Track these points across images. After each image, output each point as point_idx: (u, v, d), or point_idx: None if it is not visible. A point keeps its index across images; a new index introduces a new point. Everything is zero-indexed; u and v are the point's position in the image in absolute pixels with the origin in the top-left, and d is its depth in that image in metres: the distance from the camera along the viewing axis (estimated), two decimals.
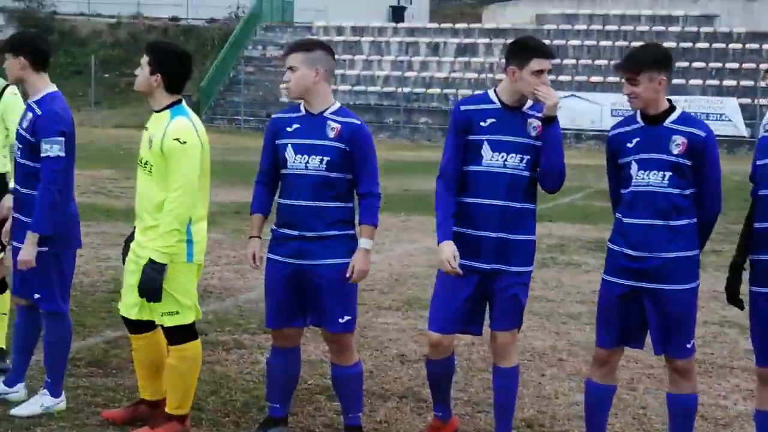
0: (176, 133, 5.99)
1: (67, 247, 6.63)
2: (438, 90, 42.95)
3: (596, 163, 23.77)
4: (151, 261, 5.99)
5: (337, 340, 6.16)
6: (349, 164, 6.03)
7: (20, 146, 6.59)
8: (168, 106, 6.12)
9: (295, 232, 6.06)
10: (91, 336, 8.62)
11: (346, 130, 6.03)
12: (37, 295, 6.61)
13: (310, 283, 6.06)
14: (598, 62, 41.61)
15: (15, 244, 6.66)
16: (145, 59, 6.15)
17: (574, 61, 42.00)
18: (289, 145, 6.08)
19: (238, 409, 6.91)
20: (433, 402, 6.54)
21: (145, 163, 6.13)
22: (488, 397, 7.08)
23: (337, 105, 6.18)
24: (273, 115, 6.37)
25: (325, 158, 6.00)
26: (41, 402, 6.61)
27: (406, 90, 42.99)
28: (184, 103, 6.18)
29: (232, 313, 9.86)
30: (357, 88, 43.97)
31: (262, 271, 6.29)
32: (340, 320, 6.07)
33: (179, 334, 6.19)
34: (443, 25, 47.30)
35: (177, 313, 6.14)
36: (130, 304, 6.26)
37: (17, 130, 6.64)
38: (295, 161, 6.05)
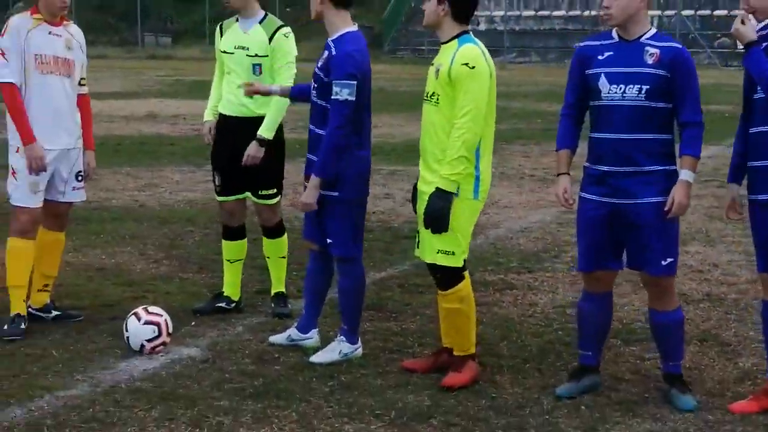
0: (465, 58, 5.80)
1: (357, 193, 6.42)
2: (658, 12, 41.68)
3: None
4: (437, 189, 5.80)
5: (659, 283, 5.79)
6: (669, 92, 5.61)
7: (315, 85, 6.40)
8: (455, 36, 5.91)
9: (611, 168, 5.68)
10: None
11: (667, 55, 5.60)
12: (329, 240, 6.44)
13: (628, 222, 5.69)
14: None
15: (306, 183, 6.49)
16: None
17: None
18: (603, 74, 5.70)
19: (535, 355, 6.64)
20: None
21: (431, 95, 5.94)
22: None
23: (654, 30, 5.76)
24: (579, 44, 5.99)
25: (644, 86, 5.60)
26: (339, 348, 6.46)
27: (592, 13, 41.83)
28: (471, 33, 5.92)
29: (488, 251, 9.59)
30: (541, 13, 43.08)
31: (574, 210, 5.95)
32: (663, 262, 5.69)
33: (452, 276, 6.00)
34: None
35: (453, 253, 5.93)
36: (428, 249, 6.03)
37: (314, 69, 6.43)
38: (609, 91, 5.67)
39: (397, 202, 11.94)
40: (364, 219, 6.57)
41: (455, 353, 6.12)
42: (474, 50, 5.84)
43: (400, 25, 44.88)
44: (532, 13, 43.24)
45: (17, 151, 6.92)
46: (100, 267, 8.83)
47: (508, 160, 15.56)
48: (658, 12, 41.42)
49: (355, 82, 6.20)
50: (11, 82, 6.84)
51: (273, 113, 7.23)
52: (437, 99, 5.90)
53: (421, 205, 6.00)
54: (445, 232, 5.90)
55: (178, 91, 28.26)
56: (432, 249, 5.95)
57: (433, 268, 6.03)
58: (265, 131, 7.22)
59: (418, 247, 6.16)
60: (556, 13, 43.01)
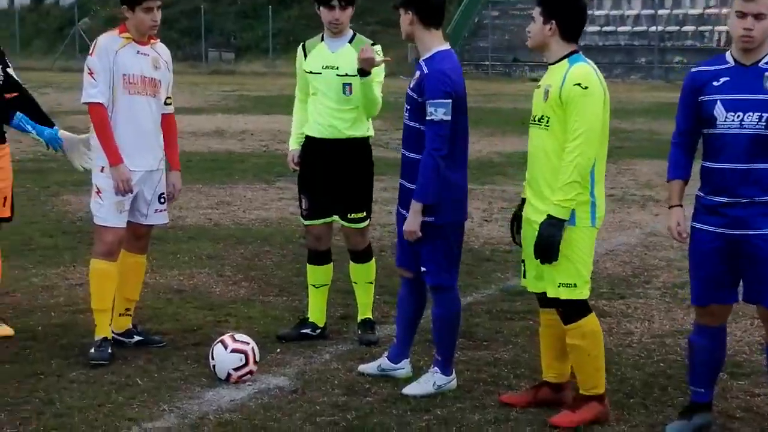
0: (577, 78, 5.50)
1: (453, 218, 6.16)
2: (693, 27, 41.12)
3: None
4: (549, 216, 5.52)
5: None
6: None
7: (408, 107, 6.16)
8: (565, 56, 5.61)
9: (728, 199, 5.37)
10: None
11: None
12: (423, 268, 6.18)
13: (746, 254, 5.37)
14: None
15: (402, 211, 6.25)
16: (536, 11, 5.68)
17: None
18: (719, 101, 5.39)
19: (638, 389, 6.32)
20: None
21: (540, 119, 5.65)
22: None
23: None
24: (692, 69, 5.67)
25: (765, 114, 5.29)
26: (433, 380, 6.19)
27: (659, 28, 41.30)
28: (581, 53, 5.65)
29: None
30: (606, 28, 42.62)
31: (686, 243, 5.64)
32: None
33: (575, 310, 5.67)
34: None
35: (575, 285, 5.61)
36: (535, 278, 5.76)
37: (407, 90, 6.20)
38: (726, 119, 5.36)
39: (474, 222, 11.65)
40: (461, 246, 6.30)
41: (581, 392, 5.79)
42: (586, 69, 5.55)
43: (464, 40, 44.60)
44: (597, 28, 42.72)
45: (102, 171, 6.75)
46: (179, 289, 8.65)
47: None
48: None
49: (450, 101, 5.96)
50: (99, 103, 6.67)
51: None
52: (547, 122, 5.61)
53: (529, 234, 5.72)
54: (557, 262, 5.57)
55: (243, 107, 28.23)
56: (553, 282, 5.65)
57: (556, 302, 5.73)
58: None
59: (524, 277, 5.87)
60: (621, 28, 42.49)
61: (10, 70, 7.23)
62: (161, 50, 6.99)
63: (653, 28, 41.33)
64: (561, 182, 5.50)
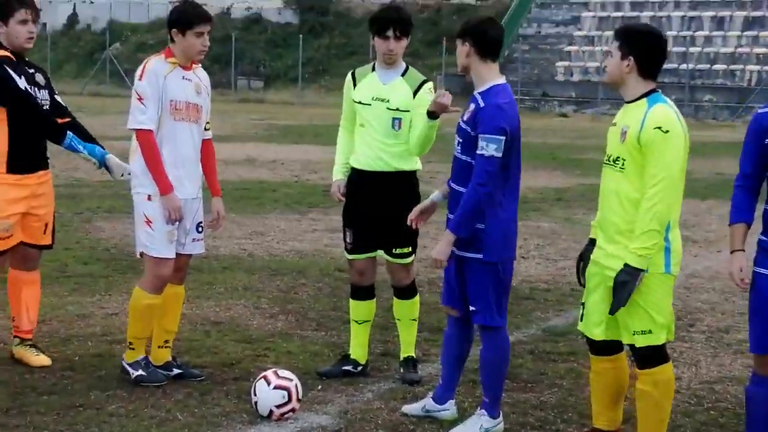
0: (657, 121, 5.29)
1: (502, 256, 6.04)
2: (723, 66, 40.98)
3: None
4: (625, 265, 5.33)
5: None
6: None
7: (459, 140, 6.04)
8: (644, 95, 5.42)
9: None
10: None
11: None
12: (472, 308, 6.06)
13: None
14: None
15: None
16: (614, 45, 5.48)
17: None
18: None
19: None
20: None
21: (615, 160, 5.45)
22: None
23: None
24: (758, 110, 5.54)
25: None
26: (480, 423, 6.06)
27: (690, 66, 41.17)
28: (661, 92, 5.45)
29: None
30: None
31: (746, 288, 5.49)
32: None
33: (650, 356, 5.48)
34: None
35: (650, 332, 5.43)
36: (595, 323, 5.61)
37: (458, 122, 6.10)
38: None
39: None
40: (509, 285, 6.17)
41: None
42: (667, 112, 5.34)
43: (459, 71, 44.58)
44: None
45: (149, 199, 6.65)
46: (216, 320, 8.54)
47: None
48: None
49: (503, 138, 5.85)
50: (149, 129, 6.60)
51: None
52: (623, 164, 5.40)
53: (596, 278, 5.56)
54: (631, 309, 5.40)
55: (272, 136, 28.23)
56: (628, 330, 5.48)
57: (632, 348, 5.56)
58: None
59: (581, 320, 5.73)
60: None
61: (58, 97, 7.18)
62: (202, 75, 6.93)
63: (684, 66, 41.20)
64: (639, 230, 5.30)
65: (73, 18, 60.86)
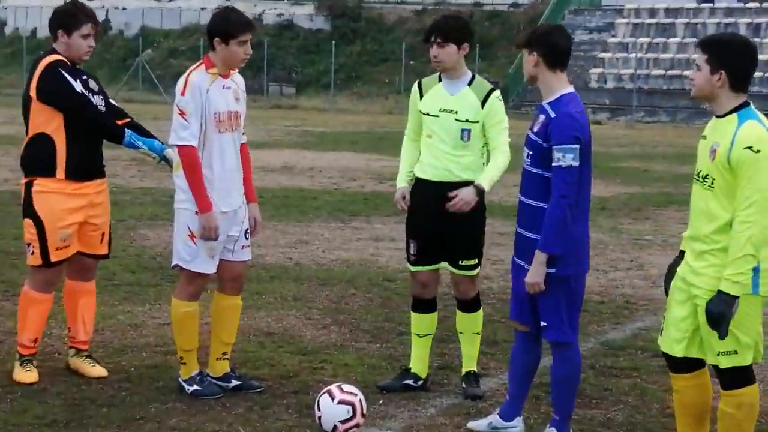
0: (747, 140, 5.09)
1: (575, 270, 5.90)
2: (760, 74, 40.55)
3: None
4: (719, 292, 5.15)
5: None
6: None
7: (530, 152, 5.91)
8: (734, 110, 5.23)
9: None
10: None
11: None
12: (543, 323, 5.92)
13: None
14: None
15: (518, 261, 6.00)
16: (701, 58, 5.29)
17: None
18: None
19: None
20: None
21: (705, 177, 5.27)
22: None
23: None
24: None
25: None
26: None
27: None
28: (752, 105, 5.27)
29: None
30: (671, 72, 42.25)
31: None
32: None
33: (735, 377, 5.32)
34: (765, 5, 44.60)
35: (735, 352, 5.26)
36: (675, 339, 5.45)
37: (527, 134, 5.96)
38: None
39: None
40: (582, 299, 6.03)
41: None
42: (758, 130, 5.12)
43: (526, 81, 44.41)
44: (662, 72, 42.39)
45: (197, 214, 6.55)
46: (269, 332, 8.43)
47: (666, 227, 14.88)
48: None
49: (578, 146, 5.71)
50: (191, 145, 6.48)
51: (498, 166, 6.74)
52: (712, 183, 5.22)
53: (679, 293, 5.40)
54: (726, 336, 5.23)
55: (308, 143, 28.14)
56: (712, 351, 5.32)
57: (716, 369, 5.40)
58: (486, 181, 6.68)
59: (661, 335, 5.57)
60: (687, 72, 42.06)
61: (112, 101, 7.12)
62: (238, 80, 6.81)
63: None
64: (733, 255, 5.12)
65: (105, 24, 60.99)
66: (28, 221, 6.81)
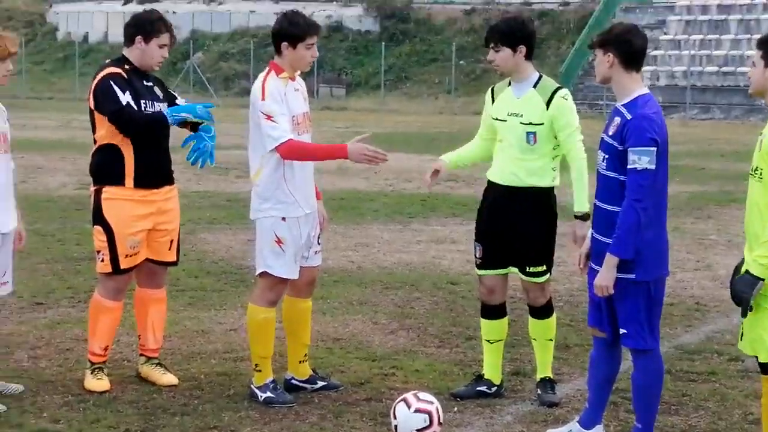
0: None
1: (655, 275, 5.76)
2: None
3: None
4: (746, 272, 5.10)
5: None
6: None
7: (605, 156, 5.77)
8: None
9: None
10: None
11: None
12: (622, 330, 5.77)
13: None
14: None
15: (594, 266, 5.86)
16: (756, 54, 5.23)
17: None
18: None
19: None
20: None
21: (755, 170, 5.22)
22: None
23: None
24: None
25: None
26: None
27: None
28: None
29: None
30: (725, 69, 41.75)
31: None
32: None
33: None
34: None
35: None
36: (752, 339, 5.30)
37: (602, 137, 5.82)
38: None
39: None
40: (661, 305, 5.88)
41: None
42: None
43: (577, 79, 44.08)
44: (715, 68, 41.90)
45: (283, 220, 6.49)
46: (336, 337, 8.35)
47: (729, 226, 14.62)
48: None
49: (655, 149, 5.58)
50: (288, 139, 6.42)
51: (581, 177, 6.60)
52: (761, 174, 5.18)
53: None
54: (760, 323, 5.16)
55: None
56: (764, 347, 5.20)
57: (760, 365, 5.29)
58: (579, 203, 6.58)
59: (740, 339, 5.42)
60: (741, 69, 41.55)
61: (179, 100, 7.08)
62: (301, 81, 6.80)
63: None
64: (764, 237, 5.07)
65: None
66: (98, 228, 6.79)
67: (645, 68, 41.39)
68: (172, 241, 7.02)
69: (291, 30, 6.57)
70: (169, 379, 6.97)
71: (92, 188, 6.87)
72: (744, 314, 5.19)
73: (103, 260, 6.79)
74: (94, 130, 6.85)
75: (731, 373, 7.50)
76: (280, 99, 6.46)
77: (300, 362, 6.86)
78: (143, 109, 6.73)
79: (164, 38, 6.84)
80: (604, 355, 6.00)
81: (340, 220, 14.41)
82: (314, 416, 6.42)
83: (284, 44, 6.55)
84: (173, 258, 7.08)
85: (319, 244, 6.87)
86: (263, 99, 6.47)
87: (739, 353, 7.88)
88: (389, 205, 16.27)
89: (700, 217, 15.54)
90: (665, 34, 45.23)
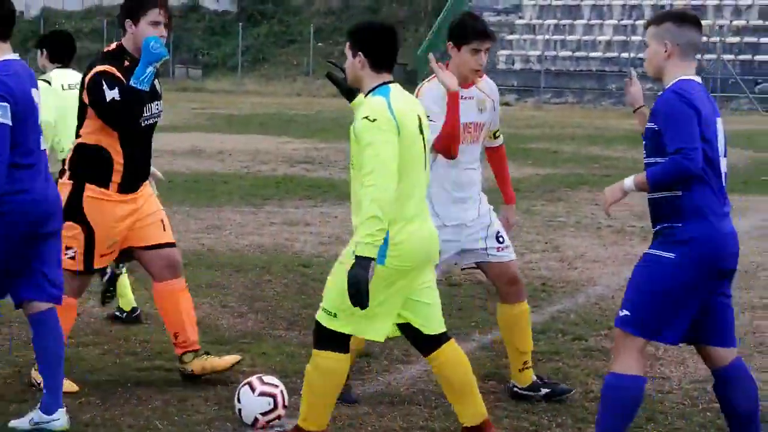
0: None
1: None
2: None
3: None
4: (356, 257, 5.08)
5: None
6: None
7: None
8: None
9: None
10: None
11: None
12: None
13: None
14: None
15: None
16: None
17: None
18: None
19: None
20: None
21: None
22: None
23: None
24: None
25: None
26: None
27: (631, 55, 41.30)
28: None
29: (594, 313, 8.95)
30: (578, 53, 42.65)
31: None
32: None
33: None
34: None
35: None
36: None
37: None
38: None
39: None
40: None
41: None
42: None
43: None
44: (569, 53, 42.70)
45: None
46: None
47: (577, 208, 14.91)
48: (698, 56, 40.85)
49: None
50: (436, 137, 6.04)
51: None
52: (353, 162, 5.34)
53: None
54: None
55: (216, 125, 27.78)
56: None
57: None
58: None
59: None
60: (593, 54, 42.47)
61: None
62: (487, 87, 6.43)
63: (624, 55, 41.31)
64: (360, 219, 5.14)
65: None
66: (72, 225, 6.28)
67: (501, 52, 41.94)
68: (162, 221, 6.68)
69: (455, 31, 6.25)
70: (230, 358, 6.72)
71: (67, 181, 6.42)
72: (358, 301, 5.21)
73: (73, 257, 6.37)
74: (80, 125, 6.45)
75: (574, 352, 7.64)
76: (441, 102, 6.07)
77: (519, 370, 6.56)
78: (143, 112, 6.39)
79: (153, 14, 6.34)
80: None
81: (192, 203, 14.23)
82: (158, 401, 6.30)
83: (449, 44, 6.26)
84: (171, 239, 6.70)
85: (501, 242, 6.74)
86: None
87: (582, 333, 8.09)
88: (243, 187, 16.12)
89: (551, 199, 15.80)
90: (520, 18, 45.93)
